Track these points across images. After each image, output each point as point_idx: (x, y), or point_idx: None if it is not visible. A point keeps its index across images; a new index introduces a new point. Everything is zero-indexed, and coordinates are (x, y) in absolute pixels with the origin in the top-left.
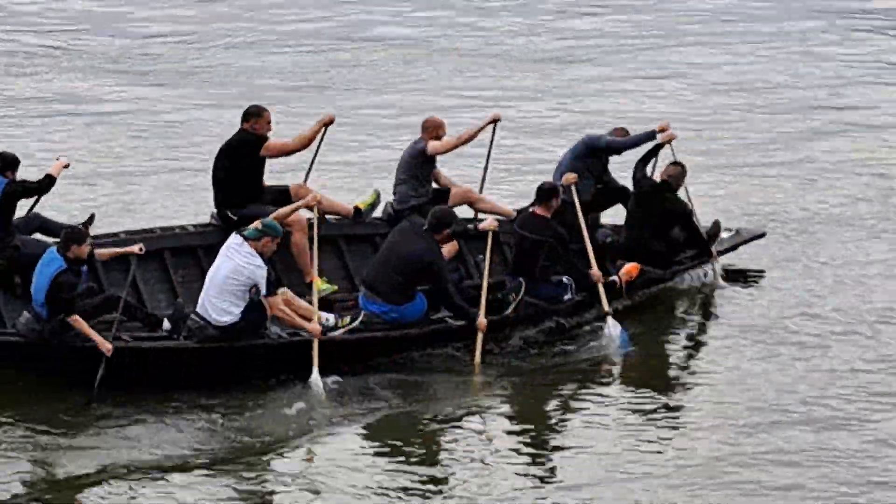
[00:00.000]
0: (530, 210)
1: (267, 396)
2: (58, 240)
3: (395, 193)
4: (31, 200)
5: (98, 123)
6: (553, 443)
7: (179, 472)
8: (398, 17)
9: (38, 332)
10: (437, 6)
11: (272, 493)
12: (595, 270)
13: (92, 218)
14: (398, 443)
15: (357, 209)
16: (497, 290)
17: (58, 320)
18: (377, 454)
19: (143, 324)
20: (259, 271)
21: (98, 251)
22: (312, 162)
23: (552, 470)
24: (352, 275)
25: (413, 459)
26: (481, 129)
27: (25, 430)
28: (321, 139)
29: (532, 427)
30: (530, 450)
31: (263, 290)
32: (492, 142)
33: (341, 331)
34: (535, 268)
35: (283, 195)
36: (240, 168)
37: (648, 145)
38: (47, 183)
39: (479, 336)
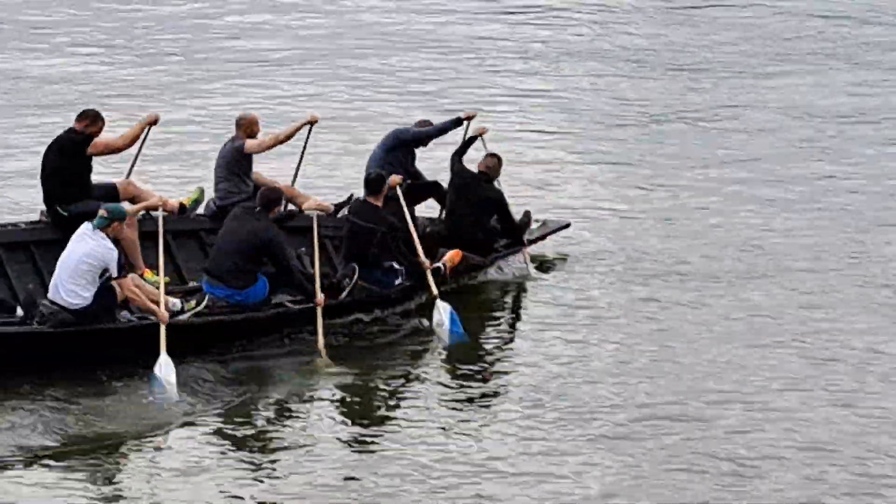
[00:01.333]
0: (363, 199)
1: (115, 385)
2: None
3: (216, 191)
4: None
5: None
6: (379, 425)
7: (25, 467)
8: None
9: None
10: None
11: (121, 485)
12: (422, 258)
13: None
14: (245, 429)
15: (182, 205)
16: (328, 278)
17: None
18: (225, 441)
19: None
20: (110, 254)
21: None
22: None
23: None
24: (180, 268)
25: (256, 445)
26: (298, 129)
27: None
28: (144, 138)
29: (362, 411)
30: (359, 432)
31: (115, 272)
32: (307, 142)
33: (188, 314)
34: (367, 254)
35: (110, 192)
36: (69, 166)
37: (458, 134)
38: None
39: (319, 313)
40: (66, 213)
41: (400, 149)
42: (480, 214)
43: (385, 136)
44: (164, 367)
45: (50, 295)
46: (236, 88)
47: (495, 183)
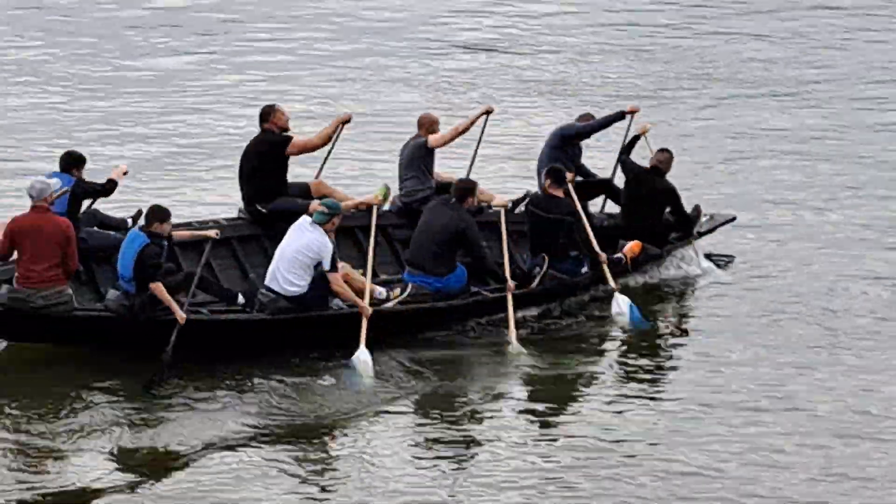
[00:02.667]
0: (544, 191)
1: (319, 374)
2: (116, 233)
3: (401, 188)
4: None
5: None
6: (569, 413)
7: (235, 450)
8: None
9: (126, 308)
10: None
11: (324, 469)
12: (599, 251)
13: (139, 213)
14: (440, 418)
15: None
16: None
17: (146, 294)
18: (422, 429)
19: (219, 299)
20: (326, 248)
21: (176, 233)
22: (326, 158)
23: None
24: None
25: (449, 435)
26: (474, 120)
27: (110, 404)
28: (337, 136)
29: (553, 399)
30: (550, 420)
31: (328, 266)
32: (482, 133)
33: (393, 302)
34: (555, 244)
35: (304, 191)
36: (267, 165)
37: (620, 129)
38: (110, 187)
39: (510, 301)
40: (264, 211)
41: (566, 145)
42: (655, 208)
43: (550, 135)
44: (362, 361)
45: (267, 282)
46: (405, 88)
47: (667, 177)
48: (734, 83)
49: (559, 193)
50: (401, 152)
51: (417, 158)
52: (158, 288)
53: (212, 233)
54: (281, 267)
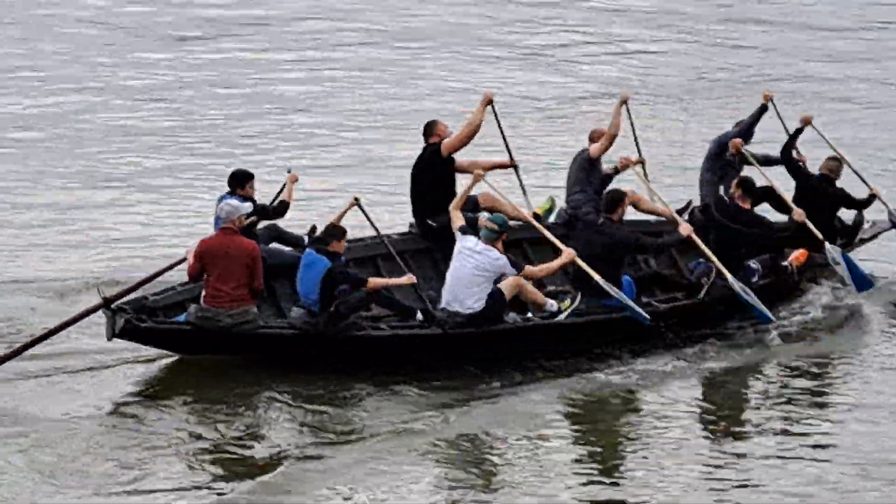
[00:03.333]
0: (730, 201)
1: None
2: (293, 249)
3: (568, 200)
4: None
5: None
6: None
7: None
8: None
9: (312, 325)
10: None
11: (499, 483)
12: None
13: (314, 230)
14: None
15: (536, 214)
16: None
17: (328, 312)
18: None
19: (398, 315)
20: (501, 262)
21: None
22: (506, 146)
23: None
24: None
25: (628, 445)
26: (618, 118)
27: (294, 408)
28: (496, 117)
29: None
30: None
31: (513, 272)
32: (632, 123)
33: (565, 314)
34: (735, 254)
35: (473, 203)
36: (434, 179)
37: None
38: (281, 210)
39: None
40: (435, 224)
41: (724, 152)
42: (825, 215)
43: (708, 148)
44: None
45: (444, 303)
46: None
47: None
48: None
49: (747, 206)
50: (570, 165)
51: (583, 171)
52: (374, 282)
53: None
54: (458, 290)
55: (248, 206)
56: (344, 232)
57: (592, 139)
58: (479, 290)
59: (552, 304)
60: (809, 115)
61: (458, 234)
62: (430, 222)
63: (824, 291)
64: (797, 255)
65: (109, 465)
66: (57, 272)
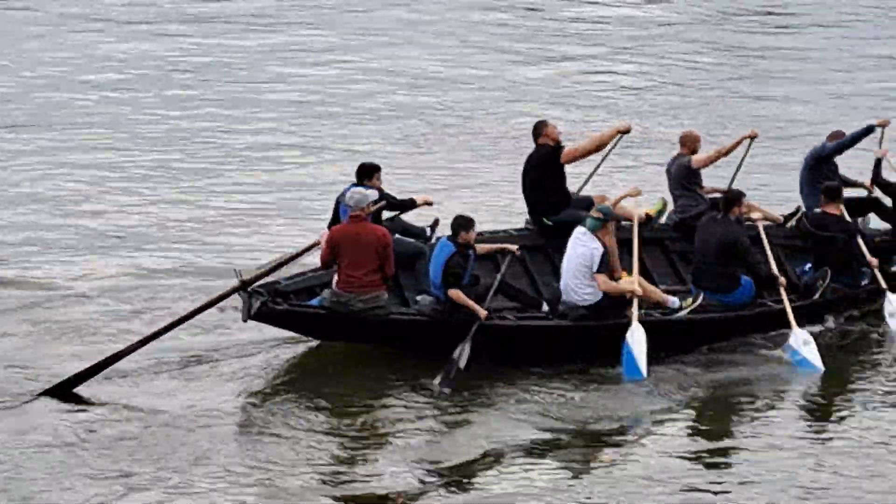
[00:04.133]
0: (822, 210)
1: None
2: (416, 240)
3: (675, 206)
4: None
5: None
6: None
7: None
8: None
9: (439, 312)
10: None
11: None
12: (871, 259)
13: (436, 223)
14: (709, 433)
15: (648, 215)
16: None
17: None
18: (689, 443)
19: (525, 305)
20: (596, 252)
21: (478, 246)
22: (595, 170)
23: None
24: (649, 271)
25: (721, 447)
26: (738, 143)
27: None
28: (613, 146)
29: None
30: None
31: (595, 268)
32: (744, 157)
33: (686, 310)
34: (831, 260)
35: (588, 203)
36: (545, 178)
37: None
38: (410, 205)
39: (784, 294)
40: (550, 223)
41: (820, 165)
42: None
43: (805, 158)
44: (636, 336)
45: (563, 297)
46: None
47: None
48: None
49: (834, 211)
50: (667, 169)
51: (683, 178)
52: (457, 294)
53: (513, 247)
54: (568, 279)
55: (374, 194)
56: (471, 222)
57: (684, 143)
58: (588, 282)
59: (674, 301)
60: (886, 120)
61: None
62: (546, 220)
63: None
64: None
65: (244, 461)
66: (195, 259)
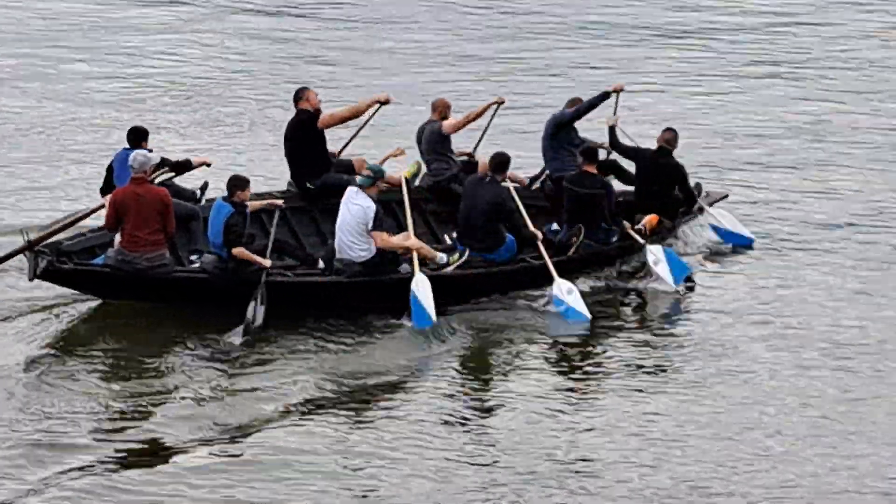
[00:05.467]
0: (581, 169)
1: (383, 330)
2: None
3: (429, 170)
4: None
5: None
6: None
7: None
8: None
9: (221, 270)
10: None
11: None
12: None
13: (205, 186)
14: (478, 383)
15: (405, 179)
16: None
17: (234, 259)
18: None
19: (301, 262)
20: (370, 210)
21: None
22: (354, 135)
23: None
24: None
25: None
26: (485, 108)
27: (192, 361)
28: (372, 115)
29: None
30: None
31: (370, 226)
32: (490, 121)
33: (452, 266)
34: (591, 217)
35: (348, 167)
36: (304, 142)
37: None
38: (187, 165)
39: (541, 247)
40: (313, 187)
41: (560, 132)
42: (667, 184)
43: (546, 124)
44: (421, 286)
45: (338, 254)
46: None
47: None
48: None
49: (592, 170)
50: (417, 135)
51: (436, 143)
52: (240, 252)
53: (279, 202)
54: (344, 238)
55: (157, 157)
56: (246, 182)
57: (436, 108)
58: (362, 240)
59: (442, 257)
60: (621, 83)
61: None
62: (308, 185)
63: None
64: (649, 220)
65: (27, 415)
66: None
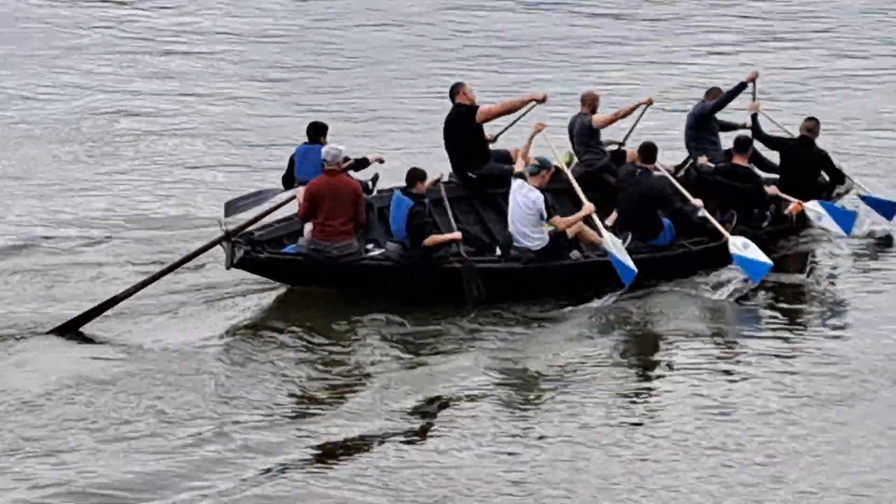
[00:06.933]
0: (732, 160)
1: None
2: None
3: (581, 161)
4: None
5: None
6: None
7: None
8: None
9: (405, 258)
10: None
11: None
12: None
13: (376, 178)
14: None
15: (556, 168)
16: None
17: (421, 247)
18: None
19: (480, 250)
20: (539, 200)
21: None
22: (508, 126)
23: None
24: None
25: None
26: (634, 108)
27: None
28: (526, 111)
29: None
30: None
31: (543, 213)
32: (638, 119)
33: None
34: (739, 206)
35: (505, 156)
36: (465, 135)
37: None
38: (363, 164)
39: (707, 215)
40: (475, 176)
41: (702, 124)
42: (812, 172)
43: (688, 116)
44: (615, 243)
45: (515, 242)
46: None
47: (816, 142)
48: None
49: (743, 162)
50: (569, 127)
51: (586, 136)
52: (433, 239)
53: (439, 175)
54: (517, 226)
55: (346, 150)
56: (425, 174)
57: (584, 101)
58: (533, 228)
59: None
60: (755, 71)
61: (514, 180)
62: (470, 174)
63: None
64: (794, 207)
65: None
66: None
